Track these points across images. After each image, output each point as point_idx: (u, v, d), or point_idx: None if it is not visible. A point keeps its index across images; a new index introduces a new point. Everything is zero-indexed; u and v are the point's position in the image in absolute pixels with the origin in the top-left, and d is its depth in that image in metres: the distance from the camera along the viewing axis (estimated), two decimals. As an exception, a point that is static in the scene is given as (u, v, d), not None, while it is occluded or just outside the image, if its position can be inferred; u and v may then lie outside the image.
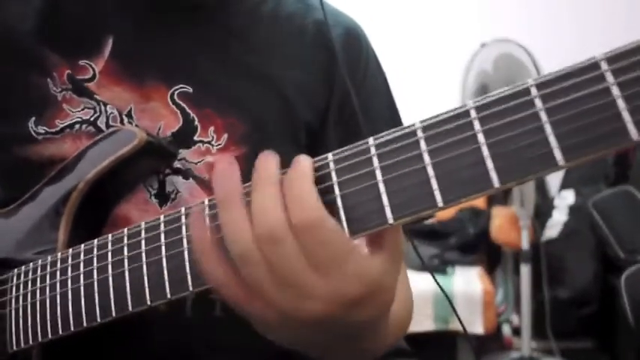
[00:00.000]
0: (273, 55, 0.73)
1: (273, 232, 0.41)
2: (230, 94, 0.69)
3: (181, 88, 0.68)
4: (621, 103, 0.34)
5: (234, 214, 0.42)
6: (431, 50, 2.97)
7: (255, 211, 0.41)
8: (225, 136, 0.68)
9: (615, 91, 0.34)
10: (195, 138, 0.68)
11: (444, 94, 2.76)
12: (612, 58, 0.35)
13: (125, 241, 0.53)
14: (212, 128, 0.68)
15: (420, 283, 2.24)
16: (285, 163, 0.69)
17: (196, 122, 0.68)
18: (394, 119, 0.78)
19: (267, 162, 0.44)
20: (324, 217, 0.40)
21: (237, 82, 0.70)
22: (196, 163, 0.68)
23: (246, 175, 0.68)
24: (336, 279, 0.41)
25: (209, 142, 0.68)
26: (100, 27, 0.70)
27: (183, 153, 0.68)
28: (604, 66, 0.35)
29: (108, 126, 0.67)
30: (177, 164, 0.68)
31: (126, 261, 0.52)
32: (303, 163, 0.43)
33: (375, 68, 0.79)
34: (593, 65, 0.35)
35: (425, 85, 2.87)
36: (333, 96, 0.73)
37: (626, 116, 0.34)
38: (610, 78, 0.34)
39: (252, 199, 0.42)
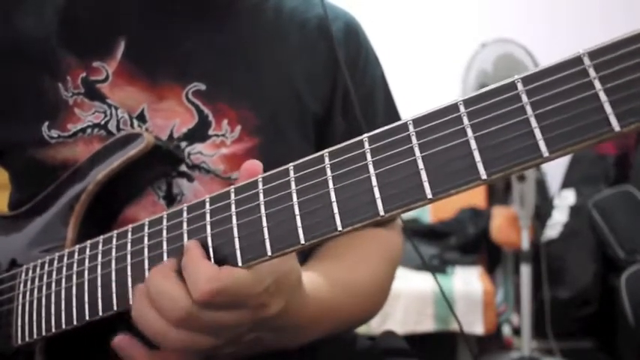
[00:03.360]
0: (279, 47, 0.75)
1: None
2: (241, 87, 0.71)
3: (195, 86, 0.70)
4: (603, 96, 0.35)
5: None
6: (431, 50, 2.97)
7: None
8: (239, 127, 0.70)
9: (597, 84, 0.35)
10: (210, 132, 0.69)
11: (444, 95, 2.75)
12: (594, 53, 0.36)
13: (129, 236, 0.54)
14: (225, 121, 0.69)
15: (420, 283, 2.25)
16: (295, 153, 0.71)
17: (210, 117, 0.69)
18: (390, 109, 0.81)
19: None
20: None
21: (248, 75, 0.72)
22: (212, 156, 0.69)
23: (263, 163, 0.70)
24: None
25: (223, 135, 0.69)
26: (112, 29, 0.71)
27: (198, 147, 0.69)
28: (586, 61, 0.36)
29: (118, 129, 0.69)
30: (182, 167, 0.69)
31: (129, 256, 0.54)
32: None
33: (373, 60, 0.81)
34: (576, 60, 0.36)
35: (425, 86, 2.87)
36: (337, 86, 0.75)
37: (608, 108, 0.35)
38: (592, 72, 0.36)
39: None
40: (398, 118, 0.82)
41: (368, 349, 0.78)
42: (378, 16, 2.76)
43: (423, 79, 2.89)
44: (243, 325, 0.51)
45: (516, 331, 2.52)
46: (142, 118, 0.69)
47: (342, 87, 0.75)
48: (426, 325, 2.16)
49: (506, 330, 2.57)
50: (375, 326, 2.06)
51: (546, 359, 2.36)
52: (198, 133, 0.69)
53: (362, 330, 0.84)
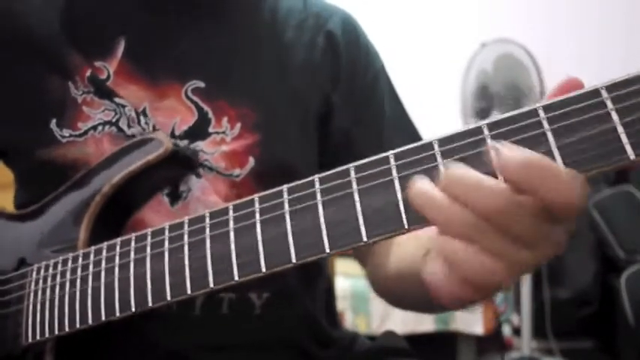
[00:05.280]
0: (277, 44, 0.75)
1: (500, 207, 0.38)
2: (240, 85, 0.72)
3: (194, 84, 0.70)
4: (619, 127, 0.38)
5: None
6: (431, 50, 2.97)
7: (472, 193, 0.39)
8: (239, 125, 0.70)
9: (614, 116, 0.38)
10: (210, 130, 0.70)
11: (444, 94, 2.76)
12: (611, 87, 0.39)
13: (148, 239, 0.55)
14: (225, 119, 0.70)
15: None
16: (295, 149, 0.71)
17: (210, 115, 0.70)
18: (394, 99, 0.81)
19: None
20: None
21: (247, 72, 0.73)
22: (212, 154, 0.69)
23: (262, 160, 0.69)
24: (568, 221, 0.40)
25: (223, 132, 0.70)
26: (112, 28, 0.71)
27: (199, 145, 0.69)
28: (604, 93, 0.39)
29: (129, 127, 0.69)
30: None
31: (148, 259, 0.54)
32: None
33: (373, 52, 0.82)
34: (594, 92, 0.39)
35: (425, 85, 2.87)
36: (339, 81, 0.76)
37: (624, 138, 0.38)
38: (609, 104, 0.38)
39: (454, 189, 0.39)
40: (402, 108, 0.82)
41: (368, 349, 0.78)
42: (378, 16, 2.76)
43: (423, 78, 2.89)
44: (558, 238, 0.41)
45: (516, 331, 2.52)
46: (144, 116, 0.69)
47: (344, 81, 0.76)
48: (426, 325, 2.16)
49: (506, 330, 2.57)
50: (375, 326, 2.06)
51: (546, 359, 2.36)
52: (198, 131, 0.69)
53: (362, 330, 0.84)
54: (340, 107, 0.76)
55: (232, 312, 0.69)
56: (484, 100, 2.49)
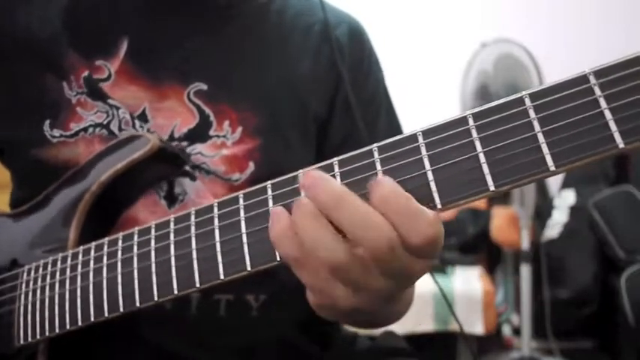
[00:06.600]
0: (283, 48, 0.75)
1: (381, 250, 0.41)
2: (243, 88, 0.71)
3: (197, 86, 0.70)
4: (608, 114, 0.36)
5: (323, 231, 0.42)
6: (431, 50, 2.97)
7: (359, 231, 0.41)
8: (240, 129, 0.70)
9: (602, 102, 0.37)
10: (211, 133, 0.69)
11: (444, 94, 2.76)
12: (599, 72, 0.37)
13: (135, 238, 0.54)
14: (227, 122, 0.70)
15: (420, 283, 2.24)
16: (296, 154, 0.71)
17: (212, 118, 0.70)
18: (391, 113, 0.82)
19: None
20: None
21: (250, 76, 0.72)
22: (212, 157, 0.69)
23: (262, 165, 0.69)
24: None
25: (224, 136, 0.69)
26: (115, 28, 0.71)
27: (199, 147, 0.69)
28: (592, 79, 0.37)
29: (120, 129, 0.69)
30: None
31: (135, 258, 0.54)
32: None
33: (376, 63, 0.82)
34: (582, 78, 0.38)
35: (425, 85, 2.87)
36: (340, 88, 0.76)
37: (613, 126, 0.36)
38: (597, 90, 0.37)
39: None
40: (397, 122, 0.83)
41: (368, 349, 0.78)
42: (378, 15, 2.76)
43: (423, 78, 2.89)
44: (419, 277, 0.44)
45: (516, 331, 2.51)
46: (143, 117, 0.69)
47: (345, 89, 0.76)
48: (426, 325, 2.16)
49: (506, 330, 2.57)
50: (375, 326, 2.05)
51: (546, 359, 2.36)
52: (199, 134, 0.69)
53: (362, 330, 0.84)
54: (339, 116, 0.76)
55: (229, 314, 0.69)
56: (484, 99, 2.49)
